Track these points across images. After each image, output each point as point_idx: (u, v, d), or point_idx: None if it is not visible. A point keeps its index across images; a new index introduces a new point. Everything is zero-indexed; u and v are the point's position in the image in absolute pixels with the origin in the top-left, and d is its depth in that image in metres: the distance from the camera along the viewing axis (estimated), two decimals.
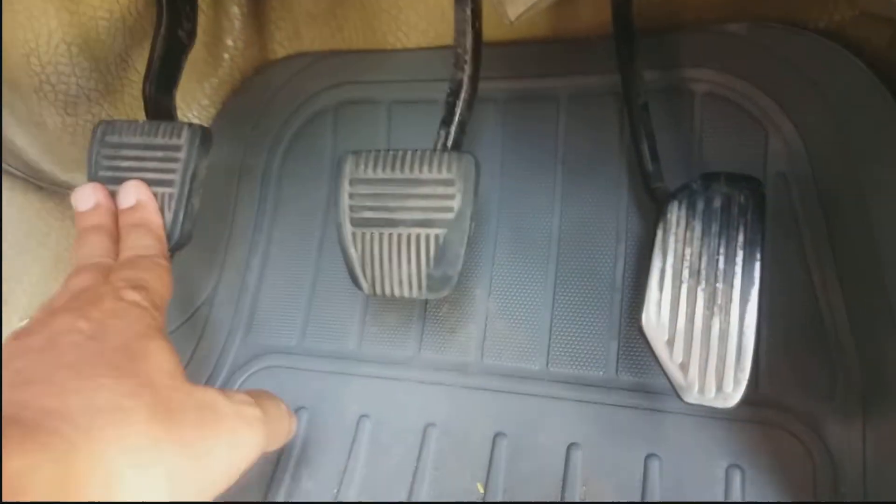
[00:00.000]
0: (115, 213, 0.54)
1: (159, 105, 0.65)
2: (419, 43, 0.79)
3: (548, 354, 0.68)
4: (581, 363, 0.67)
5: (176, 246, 0.57)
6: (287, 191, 0.82)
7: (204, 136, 0.59)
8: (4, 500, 0.26)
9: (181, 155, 0.58)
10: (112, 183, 0.60)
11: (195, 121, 0.87)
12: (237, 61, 0.85)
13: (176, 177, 0.58)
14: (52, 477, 0.28)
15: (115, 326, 0.39)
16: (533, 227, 0.71)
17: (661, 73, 0.68)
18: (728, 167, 0.64)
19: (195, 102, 0.86)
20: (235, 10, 0.84)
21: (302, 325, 0.76)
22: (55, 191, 0.77)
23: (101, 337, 0.38)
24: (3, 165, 0.74)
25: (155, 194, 0.57)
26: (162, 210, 0.57)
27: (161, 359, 0.39)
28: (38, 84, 0.72)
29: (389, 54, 0.80)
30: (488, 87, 0.74)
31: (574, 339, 0.67)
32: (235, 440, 0.39)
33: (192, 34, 0.68)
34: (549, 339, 0.68)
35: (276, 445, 0.47)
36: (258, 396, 0.46)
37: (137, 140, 0.60)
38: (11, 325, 0.71)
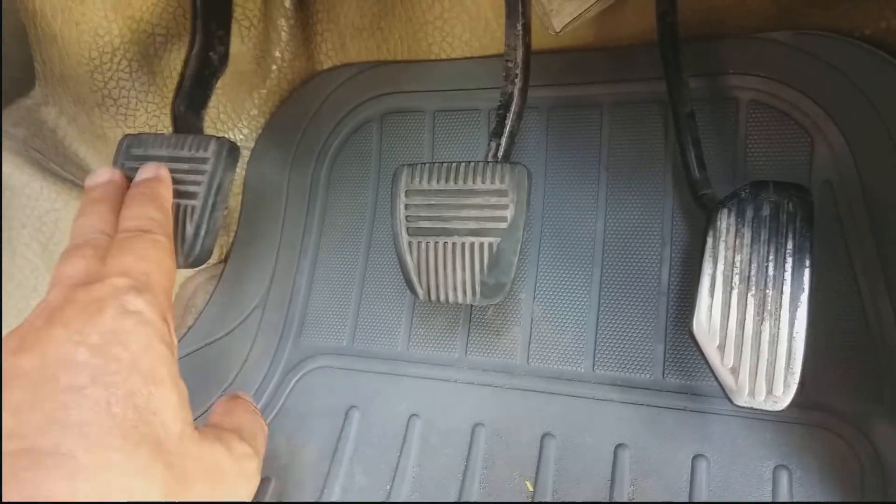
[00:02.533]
0: (125, 191, 0.52)
1: (188, 123, 0.65)
2: (463, 53, 0.80)
3: (594, 357, 0.69)
4: (628, 366, 0.68)
5: (196, 262, 0.57)
6: (334, 197, 0.84)
7: (231, 150, 0.59)
8: None
9: (207, 167, 0.57)
10: None
11: (245, 130, 0.90)
12: (285, 72, 0.88)
13: (201, 189, 0.57)
14: None
15: (118, 360, 0.36)
16: (577, 231, 0.73)
17: (706, 81, 0.69)
18: (773, 175, 0.65)
19: (244, 112, 0.89)
20: (283, 22, 0.86)
21: (351, 326, 0.79)
22: None
23: (104, 379, 0.35)
24: (69, 177, 0.77)
25: (179, 206, 0.56)
26: (184, 223, 0.56)
27: (171, 414, 0.36)
28: (101, 98, 0.76)
29: (433, 64, 0.82)
30: (532, 94, 0.75)
31: (620, 341, 0.69)
32: (237, 497, 0.41)
33: (224, 58, 0.69)
34: (595, 342, 0.70)
35: None
36: (243, 426, 0.45)
37: (163, 153, 0.59)
38: None
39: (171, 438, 0.36)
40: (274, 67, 0.88)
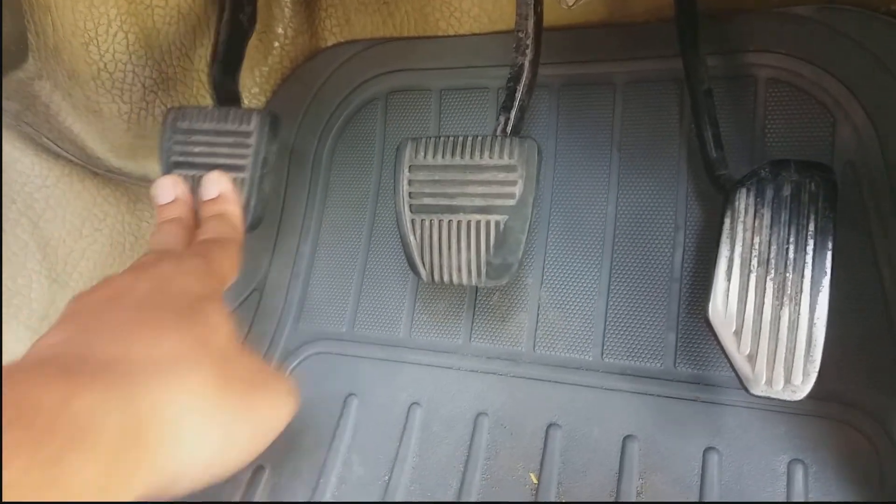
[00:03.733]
0: (192, 206, 0.56)
1: (227, 89, 0.67)
2: (472, 29, 0.78)
3: (602, 345, 0.67)
4: (637, 354, 0.65)
5: (250, 227, 0.59)
6: (337, 177, 0.82)
7: (273, 122, 0.61)
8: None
9: (251, 141, 0.60)
10: (185, 168, 0.61)
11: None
12: (287, 49, 0.86)
13: (247, 162, 0.60)
14: (117, 418, 0.29)
15: (177, 285, 0.40)
16: (587, 214, 0.70)
17: (724, 59, 0.66)
18: (793, 156, 0.63)
19: (246, 90, 0.86)
20: None
21: (352, 311, 0.76)
22: (110, 178, 0.78)
23: (164, 293, 0.39)
24: (61, 153, 0.75)
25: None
26: (241, 189, 0.59)
27: (218, 320, 0.40)
28: (96, 72, 0.73)
29: (441, 41, 0.79)
30: (543, 73, 0.73)
31: (630, 329, 0.66)
32: (277, 405, 0.41)
33: (252, 18, 0.70)
34: (604, 330, 0.67)
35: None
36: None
37: (208, 126, 0.61)
38: None
39: (220, 336, 0.38)
40: (276, 44, 0.85)
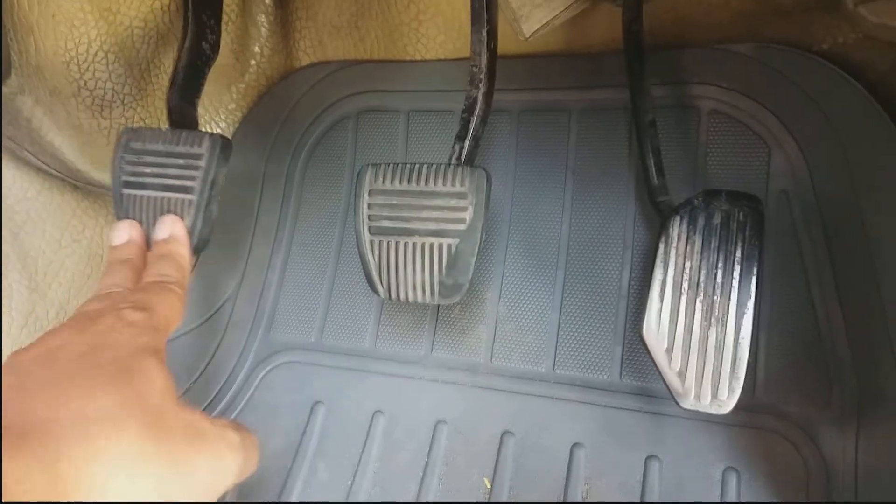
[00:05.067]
0: (144, 249, 0.57)
1: (183, 114, 0.68)
2: (437, 55, 0.82)
3: (555, 357, 0.71)
4: (587, 366, 0.70)
5: (195, 251, 0.60)
6: (308, 193, 0.85)
7: (224, 146, 0.62)
8: (4, 500, 0.28)
9: (202, 163, 0.61)
10: (134, 188, 0.63)
11: (223, 124, 0.90)
12: (263, 68, 0.89)
13: (196, 184, 0.60)
14: (42, 482, 0.30)
15: (111, 341, 0.40)
16: (543, 233, 0.74)
17: (670, 90, 0.71)
18: (732, 183, 0.67)
19: (223, 106, 0.90)
20: (262, 18, 0.87)
21: (320, 322, 0.80)
22: (90, 190, 0.81)
23: (97, 350, 0.39)
24: (42, 166, 0.78)
25: (174, 200, 0.60)
26: (181, 216, 0.60)
27: (154, 376, 0.39)
28: (77, 90, 0.76)
29: (408, 65, 0.83)
30: (503, 98, 0.77)
31: (580, 343, 0.70)
32: (218, 462, 0.40)
33: (215, 47, 0.71)
34: (557, 343, 0.71)
35: (245, 475, 0.46)
36: (236, 427, 0.47)
37: (160, 147, 0.62)
38: (48, 318, 0.75)
39: (154, 394, 0.38)
40: (252, 62, 0.89)
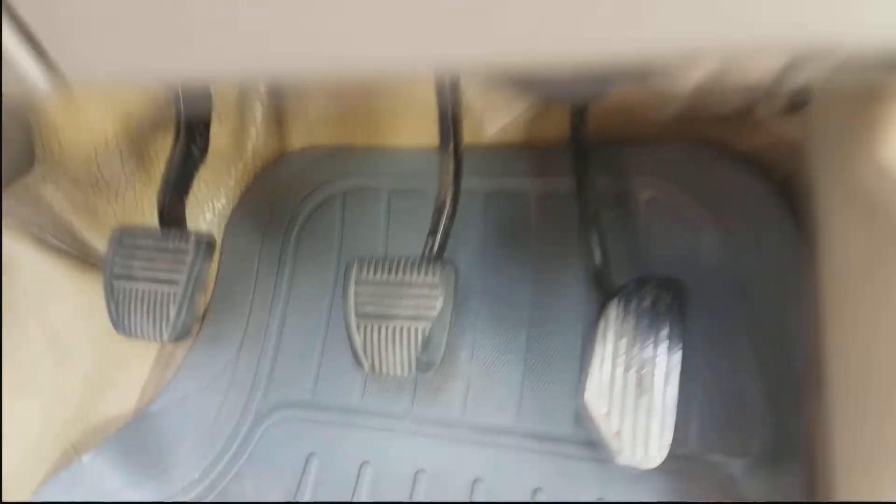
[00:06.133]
0: None
1: (172, 212, 0.76)
2: (413, 141, 0.93)
3: (518, 412, 0.81)
4: (547, 420, 0.80)
5: (177, 338, 0.68)
6: (301, 265, 0.96)
7: (208, 245, 0.71)
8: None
9: (188, 259, 0.69)
10: (124, 280, 0.71)
11: (223, 199, 1.01)
12: (259, 151, 1.00)
13: (182, 277, 0.69)
14: None
15: None
16: (508, 302, 0.85)
17: (612, 181, 0.82)
18: (666, 262, 0.78)
19: (222, 185, 1.00)
20: (258, 106, 0.98)
21: (313, 382, 0.90)
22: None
23: None
24: (62, 247, 0.88)
25: (160, 292, 0.68)
26: (168, 306, 0.67)
27: None
28: (95, 181, 0.87)
29: (390, 151, 0.94)
30: (472, 182, 0.88)
31: (542, 399, 0.81)
32: None
33: (203, 150, 0.79)
34: (521, 399, 0.82)
35: None
36: None
37: (150, 243, 0.71)
38: (74, 388, 0.84)
39: None
40: (249, 147, 1.00)
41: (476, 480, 0.80)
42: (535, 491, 0.77)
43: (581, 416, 0.78)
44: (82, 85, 0.31)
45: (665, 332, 0.66)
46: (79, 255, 0.89)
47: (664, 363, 0.65)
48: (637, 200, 0.82)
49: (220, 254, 0.99)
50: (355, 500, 0.82)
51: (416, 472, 0.82)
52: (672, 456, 0.65)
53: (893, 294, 0.44)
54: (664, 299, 0.68)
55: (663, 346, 0.66)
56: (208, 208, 0.98)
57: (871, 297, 0.48)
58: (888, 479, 0.51)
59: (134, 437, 0.87)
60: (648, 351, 0.66)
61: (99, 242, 0.92)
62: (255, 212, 0.99)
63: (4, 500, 0.77)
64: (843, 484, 0.58)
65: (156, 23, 0.28)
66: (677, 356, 0.65)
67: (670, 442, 0.64)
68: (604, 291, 0.73)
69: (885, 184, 0.40)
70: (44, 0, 0.29)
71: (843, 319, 0.55)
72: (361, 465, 0.84)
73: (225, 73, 0.30)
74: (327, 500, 0.83)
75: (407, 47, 0.28)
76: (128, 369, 0.91)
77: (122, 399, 0.91)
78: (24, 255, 0.82)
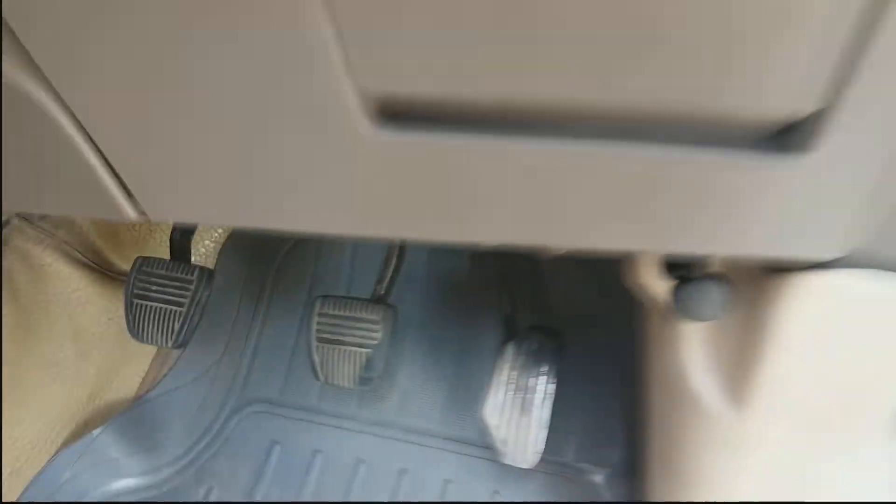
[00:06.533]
0: None
1: (180, 246, 0.98)
2: None
3: (439, 419, 1.04)
4: (459, 426, 1.03)
5: (179, 345, 0.91)
6: (279, 292, 1.18)
7: (209, 276, 0.93)
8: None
9: (192, 287, 0.92)
10: (141, 299, 0.93)
11: (219, 232, 1.23)
12: None
13: (186, 301, 0.91)
14: None
15: None
16: (440, 336, 1.08)
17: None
18: (560, 312, 1.02)
19: (213, 230, 1.21)
20: None
21: (281, 385, 1.12)
22: (122, 280, 1.12)
23: None
24: (88, 262, 1.09)
25: (167, 310, 0.90)
26: (173, 322, 0.90)
27: None
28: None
29: None
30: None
31: (457, 410, 1.04)
32: None
33: None
34: (442, 410, 1.05)
35: None
36: None
37: (162, 272, 0.93)
38: (90, 376, 1.06)
39: None
40: None
41: (402, 471, 1.03)
42: (447, 482, 1.00)
43: (482, 426, 1.02)
44: (157, 218, 0.53)
45: (545, 368, 0.90)
46: (101, 270, 1.10)
47: (542, 391, 0.89)
48: (541, 260, 1.05)
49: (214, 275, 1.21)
50: (309, 476, 1.05)
51: (357, 462, 1.05)
52: (553, 461, 0.89)
53: (657, 352, 0.68)
54: (546, 344, 0.91)
55: (542, 379, 0.89)
56: (207, 237, 1.20)
57: (656, 356, 0.72)
58: (676, 487, 0.75)
59: (134, 419, 1.09)
60: (531, 382, 0.89)
61: (118, 260, 1.13)
62: (244, 244, 1.21)
63: (5, 500, 0.97)
64: (653, 489, 0.82)
65: (214, 188, 0.49)
66: (552, 387, 0.89)
67: (542, 449, 0.88)
68: (508, 334, 0.97)
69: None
70: (133, 160, 0.50)
71: (647, 371, 0.79)
72: (313, 453, 1.06)
73: (259, 223, 0.51)
74: (328, 501, 1.05)
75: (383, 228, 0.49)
76: (132, 364, 1.13)
77: (125, 387, 1.12)
78: (57, 267, 1.04)
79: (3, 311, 0.96)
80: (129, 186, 0.51)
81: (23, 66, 0.41)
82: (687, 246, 0.46)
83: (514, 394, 0.89)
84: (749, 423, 0.59)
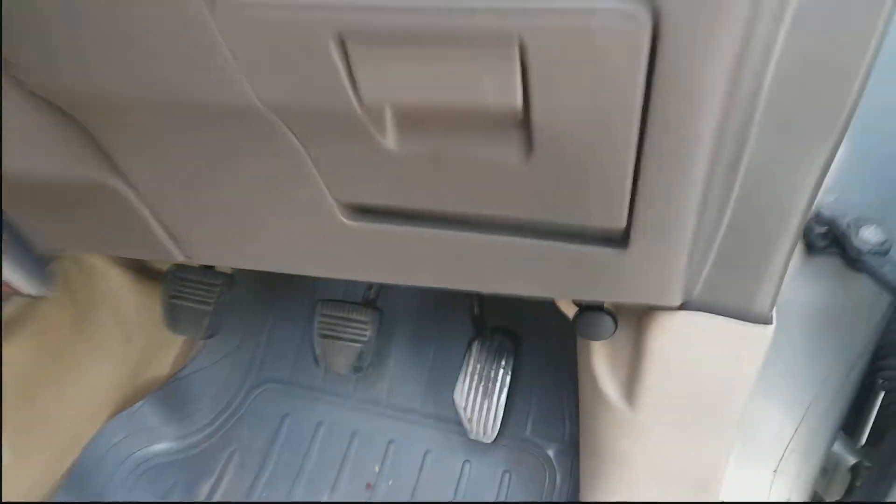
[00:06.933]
0: None
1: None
2: None
3: (421, 400, 1.25)
4: (438, 406, 1.24)
5: (207, 336, 1.12)
6: (287, 294, 1.38)
7: (231, 280, 1.13)
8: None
9: (217, 290, 1.12)
10: (176, 299, 1.14)
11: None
12: None
13: (212, 301, 1.11)
14: None
15: None
16: (423, 332, 1.28)
17: None
18: (522, 314, 1.21)
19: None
20: None
21: (290, 368, 1.33)
22: (156, 277, 1.33)
23: None
24: (128, 263, 1.29)
25: (196, 309, 1.11)
26: (202, 318, 1.11)
27: None
28: None
29: None
30: None
31: (436, 393, 1.24)
32: None
33: None
34: (424, 392, 1.25)
35: None
36: None
37: (193, 277, 1.12)
38: (133, 358, 1.27)
39: None
40: None
41: (391, 442, 1.24)
42: (427, 452, 1.21)
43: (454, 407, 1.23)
44: (197, 261, 0.72)
45: (503, 362, 1.09)
46: (140, 269, 1.31)
47: (499, 381, 1.09)
48: None
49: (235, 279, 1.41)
50: (312, 445, 1.26)
51: (353, 433, 1.26)
52: (514, 437, 1.10)
53: (581, 358, 0.87)
54: (506, 342, 1.11)
55: (501, 371, 1.09)
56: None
57: (581, 360, 0.91)
58: (594, 461, 0.95)
59: (168, 393, 1.30)
60: (493, 373, 1.09)
61: (153, 261, 1.33)
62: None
63: (5, 499, 1.13)
64: (582, 463, 1.02)
65: (238, 245, 0.69)
66: (508, 377, 1.08)
67: (499, 428, 1.08)
68: (476, 332, 1.16)
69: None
70: (185, 225, 0.70)
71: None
72: (317, 425, 1.27)
73: (268, 267, 0.71)
74: (338, 502, 1.26)
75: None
76: (166, 347, 1.34)
77: (161, 367, 1.33)
78: (104, 268, 1.24)
79: (62, 306, 1.17)
80: (179, 239, 0.70)
81: (106, 168, 0.61)
82: (569, 294, 0.65)
83: (479, 382, 1.09)
84: (639, 416, 0.79)
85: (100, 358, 1.23)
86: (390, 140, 0.48)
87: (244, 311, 1.37)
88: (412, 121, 0.46)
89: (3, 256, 0.86)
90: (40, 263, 1.02)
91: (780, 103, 0.44)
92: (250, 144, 0.53)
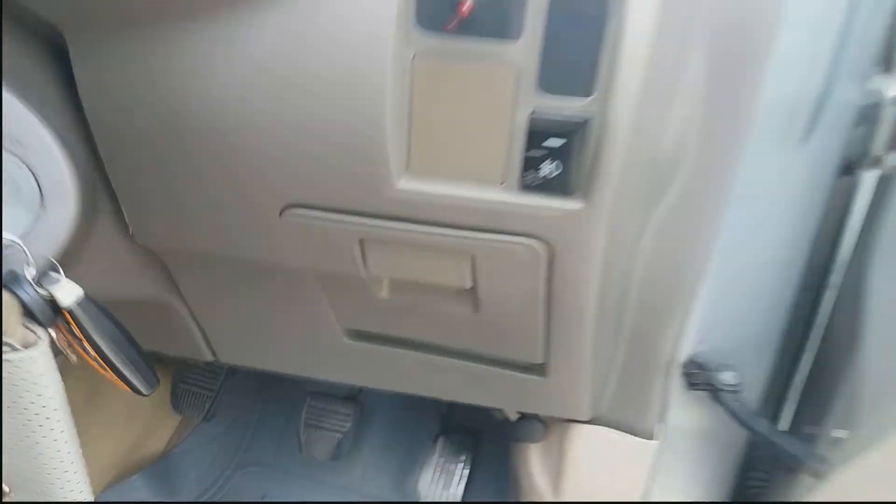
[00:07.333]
0: None
1: None
2: None
3: (392, 485, 1.41)
4: (405, 493, 1.40)
5: (207, 419, 1.30)
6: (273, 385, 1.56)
7: (234, 369, 1.34)
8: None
9: (221, 377, 1.32)
10: (184, 383, 1.32)
11: None
12: None
13: (216, 385, 1.31)
14: None
15: None
16: (395, 420, 1.46)
17: None
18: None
19: None
20: None
21: (274, 452, 1.49)
22: (163, 364, 1.51)
23: None
24: None
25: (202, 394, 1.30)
26: (205, 402, 1.29)
27: None
28: None
29: None
30: None
31: (405, 480, 1.41)
32: None
33: None
34: (395, 478, 1.42)
35: None
36: None
37: (199, 364, 1.33)
38: (119, 447, 1.43)
39: None
40: None
41: None
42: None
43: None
44: (223, 361, 0.92)
45: (463, 457, 1.28)
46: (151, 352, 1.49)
47: (459, 474, 1.27)
48: None
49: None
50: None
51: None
52: None
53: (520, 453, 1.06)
54: (466, 439, 1.30)
55: (460, 466, 1.27)
56: None
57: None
58: None
59: (160, 469, 1.45)
60: (452, 467, 1.28)
61: None
62: None
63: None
64: None
65: (260, 354, 0.90)
66: (467, 471, 1.27)
67: None
68: (441, 428, 1.35)
69: None
70: (217, 333, 0.90)
71: None
72: None
73: (279, 370, 0.92)
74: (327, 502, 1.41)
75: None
76: (164, 426, 1.50)
77: (157, 444, 1.49)
78: None
79: (76, 384, 1.34)
80: (212, 342, 0.91)
81: (168, 290, 0.82)
82: (507, 405, 0.87)
83: (441, 474, 1.28)
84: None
85: (105, 433, 1.39)
86: (384, 293, 0.70)
87: (236, 397, 1.55)
88: (401, 284, 0.69)
89: None
90: None
91: (646, 286, 0.67)
92: (286, 286, 0.75)
